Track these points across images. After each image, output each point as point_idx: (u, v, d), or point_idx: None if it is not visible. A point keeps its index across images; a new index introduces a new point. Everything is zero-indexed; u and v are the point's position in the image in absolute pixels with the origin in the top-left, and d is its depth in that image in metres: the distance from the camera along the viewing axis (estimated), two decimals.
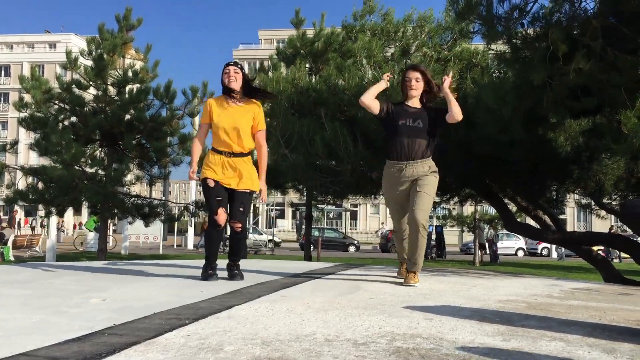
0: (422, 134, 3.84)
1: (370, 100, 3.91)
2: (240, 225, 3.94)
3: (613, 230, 22.33)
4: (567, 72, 4.71)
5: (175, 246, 31.35)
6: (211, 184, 3.86)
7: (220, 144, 3.91)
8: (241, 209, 3.92)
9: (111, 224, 24.82)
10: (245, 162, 3.95)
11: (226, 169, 3.89)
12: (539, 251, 33.05)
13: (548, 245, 30.71)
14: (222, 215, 3.83)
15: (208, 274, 3.94)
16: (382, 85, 4.02)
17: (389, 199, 4.01)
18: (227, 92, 3.95)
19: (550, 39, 4.65)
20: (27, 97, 14.00)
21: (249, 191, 3.94)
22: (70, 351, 1.83)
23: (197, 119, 15.36)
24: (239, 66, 4.00)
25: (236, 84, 3.93)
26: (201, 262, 4.12)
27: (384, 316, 2.59)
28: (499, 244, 25.41)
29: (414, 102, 3.94)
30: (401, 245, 4.11)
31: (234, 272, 4.02)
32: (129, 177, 14.41)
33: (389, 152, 3.93)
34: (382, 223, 49.96)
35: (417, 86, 3.91)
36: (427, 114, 3.89)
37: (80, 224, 48.21)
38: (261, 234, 30.82)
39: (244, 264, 4.18)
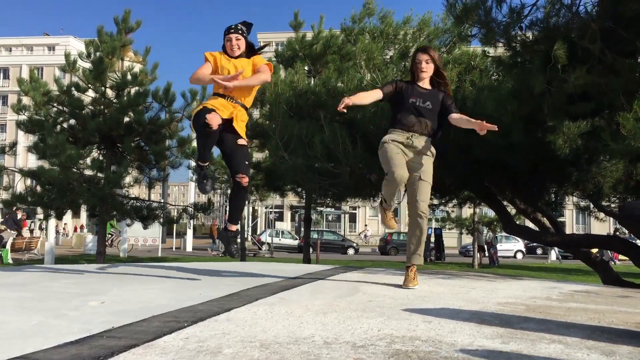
0: (430, 115, 3.86)
1: (370, 100, 3.96)
2: (247, 179, 3.90)
3: (617, 233, 22.16)
4: (565, 80, 4.73)
5: (174, 249, 31.36)
6: (216, 122, 3.52)
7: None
8: (246, 162, 3.89)
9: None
10: (242, 112, 3.88)
11: (227, 107, 3.78)
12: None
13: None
14: (215, 118, 3.53)
15: (203, 183, 3.93)
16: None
17: (390, 147, 3.77)
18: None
19: (554, 54, 4.66)
20: (26, 100, 14.00)
21: (247, 145, 3.92)
22: (69, 354, 1.83)
23: None
24: (240, 31, 3.91)
25: (239, 51, 3.90)
26: (200, 265, 4.12)
27: (383, 319, 2.59)
28: (498, 247, 25.30)
29: (424, 84, 3.96)
30: (391, 190, 3.91)
31: (232, 248, 3.97)
32: (128, 180, 14.39)
33: (394, 123, 3.89)
34: (366, 225, 50.07)
35: (427, 68, 3.92)
36: (436, 98, 3.90)
37: (81, 227, 48.14)
38: (295, 238, 30.49)
39: (242, 267, 4.18)
